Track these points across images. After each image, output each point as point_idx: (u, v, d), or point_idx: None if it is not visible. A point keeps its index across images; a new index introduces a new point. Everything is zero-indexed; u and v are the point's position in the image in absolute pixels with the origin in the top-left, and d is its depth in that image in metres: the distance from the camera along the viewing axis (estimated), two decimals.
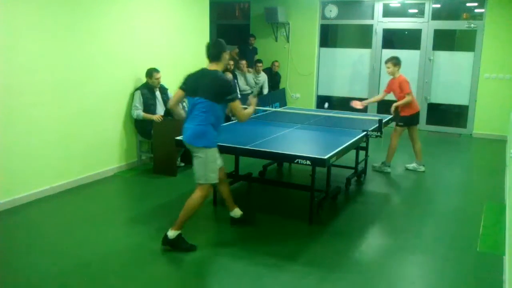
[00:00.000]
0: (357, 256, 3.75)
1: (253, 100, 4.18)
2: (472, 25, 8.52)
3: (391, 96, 6.14)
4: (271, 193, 5.30)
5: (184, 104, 5.27)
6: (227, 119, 6.10)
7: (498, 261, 3.68)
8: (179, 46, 6.64)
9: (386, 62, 6.04)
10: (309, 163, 3.91)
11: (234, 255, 3.68)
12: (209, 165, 3.65)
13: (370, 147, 6.01)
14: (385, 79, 6.71)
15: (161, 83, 5.97)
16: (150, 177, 5.72)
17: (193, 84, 3.69)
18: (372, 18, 9.32)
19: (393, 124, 6.00)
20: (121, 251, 3.74)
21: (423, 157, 6.26)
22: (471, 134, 8.70)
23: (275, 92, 9.11)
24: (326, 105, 6.43)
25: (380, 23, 9.26)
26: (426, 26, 8.88)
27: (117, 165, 5.85)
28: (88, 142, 5.37)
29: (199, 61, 7.14)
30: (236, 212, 4.28)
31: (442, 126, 9.10)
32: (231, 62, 8.50)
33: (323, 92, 9.93)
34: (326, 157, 3.85)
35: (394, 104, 5.91)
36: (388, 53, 9.18)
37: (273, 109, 6.80)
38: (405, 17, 9.25)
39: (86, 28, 5.19)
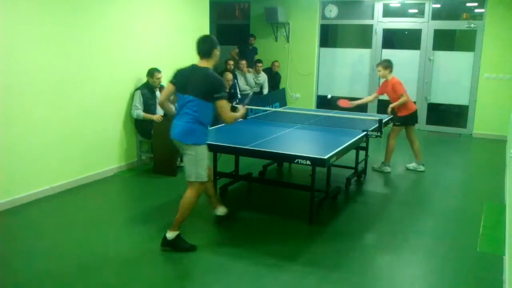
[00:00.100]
0: (357, 256, 3.74)
1: (243, 107, 4.08)
2: (472, 25, 8.52)
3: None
4: (271, 193, 5.30)
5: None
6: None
7: (498, 261, 3.68)
8: (179, 46, 6.64)
9: (377, 65, 6.07)
10: (309, 163, 3.91)
11: (234, 255, 3.68)
12: (199, 162, 3.63)
13: (370, 147, 6.01)
14: None
15: (161, 83, 5.97)
16: (150, 177, 5.72)
17: (183, 80, 3.66)
18: (372, 18, 9.33)
19: (391, 124, 6.00)
20: (121, 251, 3.74)
21: (423, 157, 6.26)
22: (471, 134, 8.70)
23: (275, 92, 9.11)
24: (329, 96, 6.41)
25: (380, 23, 9.26)
26: (426, 26, 8.88)
27: (117, 165, 5.85)
28: (88, 142, 5.37)
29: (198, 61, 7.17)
30: (221, 210, 4.27)
31: (442, 126, 9.10)
32: (231, 62, 8.51)
33: (323, 92, 9.93)
34: (326, 157, 3.85)
35: (390, 105, 5.93)
36: (388, 53, 9.24)
37: (273, 109, 6.80)
38: (405, 17, 9.26)
39: (86, 28, 5.19)
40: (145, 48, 6.07)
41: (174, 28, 6.62)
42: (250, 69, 8.88)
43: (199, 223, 4.35)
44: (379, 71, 5.99)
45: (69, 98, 5.06)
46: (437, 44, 8.87)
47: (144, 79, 5.95)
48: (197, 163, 3.63)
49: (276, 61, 9.45)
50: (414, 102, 6.45)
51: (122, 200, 5.27)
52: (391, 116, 5.89)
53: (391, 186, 5.76)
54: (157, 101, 5.91)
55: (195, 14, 7.07)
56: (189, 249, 3.69)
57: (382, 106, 8.09)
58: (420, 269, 3.63)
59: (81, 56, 5.16)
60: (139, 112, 5.78)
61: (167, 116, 5.70)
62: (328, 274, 3.44)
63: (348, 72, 9.83)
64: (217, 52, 3.72)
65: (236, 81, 8.15)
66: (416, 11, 9.15)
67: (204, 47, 3.68)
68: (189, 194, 3.68)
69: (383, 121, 5.27)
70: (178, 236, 3.69)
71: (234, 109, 5.82)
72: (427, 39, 8.91)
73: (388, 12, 9.23)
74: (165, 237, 3.69)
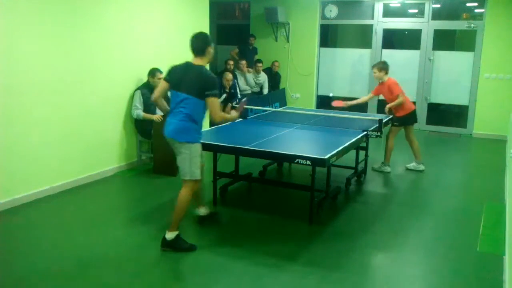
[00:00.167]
0: (357, 256, 3.74)
1: (236, 111, 4.03)
2: (472, 25, 8.52)
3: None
4: (271, 193, 5.30)
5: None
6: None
7: (498, 261, 3.68)
8: (179, 46, 6.62)
9: (372, 67, 6.07)
10: (309, 163, 3.91)
11: (234, 255, 3.68)
12: (193, 160, 3.63)
13: (370, 147, 6.01)
14: None
15: None
16: (150, 177, 5.72)
17: (177, 77, 3.66)
18: (372, 18, 9.33)
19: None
20: (121, 251, 3.74)
21: (423, 157, 6.27)
22: (471, 134, 8.70)
23: (275, 92, 9.12)
24: (331, 94, 6.40)
25: (380, 23, 9.27)
26: (426, 26, 8.88)
27: (117, 165, 5.85)
28: (88, 142, 5.37)
29: None
30: (203, 210, 4.25)
31: (442, 126, 9.11)
32: (231, 62, 8.51)
33: (323, 92, 9.93)
34: (326, 157, 3.85)
35: (388, 106, 5.93)
36: (388, 53, 9.25)
37: (273, 109, 6.80)
38: (405, 17, 9.26)
39: (86, 28, 5.19)
40: (145, 48, 6.07)
41: (174, 28, 6.61)
42: (250, 69, 8.88)
43: (198, 223, 4.35)
44: (374, 72, 6.00)
45: (69, 98, 5.06)
46: (437, 44, 8.88)
47: (144, 79, 5.95)
48: (191, 161, 3.63)
49: (276, 61, 9.45)
50: (414, 103, 6.45)
51: (122, 200, 5.27)
52: (391, 116, 5.89)
53: (391, 186, 5.76)
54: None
55: (195, 14, 7.07)
56: (189, 249, 3.69)
57: (382, 106, 8.04)
58: (420, 269, 3.63)
59: (81, 56, 5.16)
60: (139, 112, 5.78)
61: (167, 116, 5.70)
62: (328, 274, 3.44)
63: (348, 72, 9.83)
64: (211, 49, 3.69)
65: (236, 81, 8.15)
66: (416, 11, 9.15)
67: (198, 44, 3.66)
68: (183, 193, 3.68)
69: (383, 121, 5.27)
70: (177, 236, 3.68)
71: (234, 109, 5.83)
72: (427, 39, 8.91)
73: (388, 12, 9.23)
74: (164, 238, 3.69)
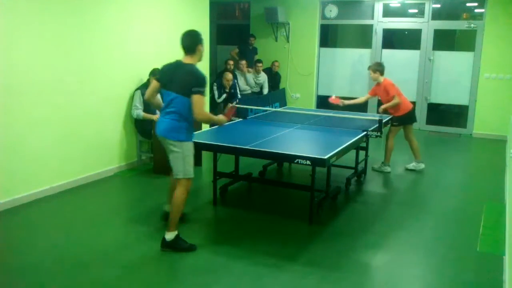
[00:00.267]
0: (357, 256, 3.74)
1: (225, 116, 3.99)
2: (472, 25, 8.52)
3: None
4: (271, 193, 5.30)
5: None
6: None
7: (498, 261, 3.68)
8: (179, 46, 6.61)
9: (368, 68, 6.07)
10: (309, 163, 3.91)
11: (234, 255, 3.68)
12: (186, 159, 3.64)
13: (370, 147, 6.01)
14: None
15: None
16: (150, 177, 5.72)
17: (167, 77, 3.66)
18: (372, 18, 9.33)
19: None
20: (121, 251, 3.74)
21: (423, 157, 6.27)
22: (471, 134, 8.70)
23: (275, 92, 9.10)
24: (334, 96, 6.40)
25: (380, 23, 9.26)
26: (426, 26, 8.88)
27: (117, 165, 5.85)
28: (88, 142, 5.37)
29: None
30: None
31: (442, 126, 9.11)
32: (231, 62, 8.51)
33: (323, 92, 9.93)
34: (326, 157, 3.85)
35: (382, 107, 5.95)
36: (388, 53, 9.25)
37: (273, 109, 6.80)
38: (405, 17, 9.26)
39: (86, 28, 5.19)
40: (145, 48, 6.07)
41: (174, 28, 6.59)
42: (250, 69, 8.88)
43: (198, 223, 4.36)
44: (370, 74, 6.00)
45: (69, 98, 5.06)
46: (437, 44, 8.88)
47: (144, 79, 5.95)
48: (184, 159, 3.63)
49: (276, 61, 9.45)
50: (414, 103, 6.45)
51: (122, 200, 5.27)
52: (391, 116, 5.89)
53: (391, 186, 5.76)
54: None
55: (195, 14, 7.07)
56: (188, 249, 3.69)
57: None
58: (420, 269, 3.63)
59: (81, 56, 5.16)
60: (139, 112, 5.78)
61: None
62: (328, 274, 3.44)
63: (348, 72, 9.83)
64: (201, 47, 3.66)
65: (236, 81, 8.16)
66: (416, 11, 9.15)
67: (188, 42, 3.64)
68: (178, 193, 3.68)
69: (383, 121, 5.27)
70: (177, 237, 3.68)
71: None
72: (427, 39, 8.91)
73: (388, 12, 9.23)
74: (164, 239, 3.69)
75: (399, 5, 9.23)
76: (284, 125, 5.34)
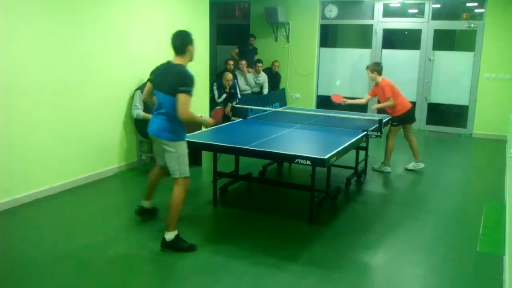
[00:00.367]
0: (357, 256, 3.74)
1: (214, 115, 4.00)
2: (472, 25, 8.52)
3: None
4: (271, 193, 5.30)
5: None
6: (227, 118, 6.11)
7: (498, 261, 3.68)
8: None
9: (366, 68, 6.08)
10: (309, 163, 3.91)
11: (234, 255, 3.68)
12: (180, 158, 3.66)
13: (370, 147, 6.01)
14: None
15: None
16: None
17: (158, 78, 3.70)
18: (372, 18, 9.33)
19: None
20: (121, 251, 3.74)
21: (423, 157, 6.27)
22: (471, 134, 8.70)
23: (275, 92, 9.12)
24: (338, 82, 6.41)
25: (380, 23, 9.26)
26: (426, 26, 8.88)
27: (117, 165, 5.85)
28: (88, 142, 5.37)
29: (198, 61, 7.16)
30: (148, 203, 4.28)
31: (442, 126, 9.11)
32: (231, 62, 8.51)
33: (323, 92, 9.93)
34: (326, 157, 3.85)
35: (377, 106, 5.95)
36: (388, 53, 9.25)
37: (273, 109, 6.80)
38: (405, 17, 9.26)
39: (86, 28, 5.19)
40: (145, 48, 6.07)
41: (174, 28, 6.50)
42: (250, 69, 8.88)
43: (198, 223, 4.36)
44: (368, 74, 6.01)
45: (69, 98, 5.06)
46: (437, 44, 8.88)
47: (145, 79, 5.95)
48: (178, 159, 3.65)
49: (276, 61, 9.45)
50: (414, 103, 6.46)
51: (122, 200, 5.26)
52: (391, 116, 5.90)
53: (391, 186, 5.76)
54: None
55: (195, 14, 7.07)
56: (188, 249, 3.69)
57: None
58: (420, 269, 3.63)
59: (81, 56, 5.16)
60: (139, 112, 5.78)
61: None
62: (328, 274, 3.44)
63: (348, 72, 9.83)
64: (191, 48, 3.66)
65: (236, 81, 8.16)
66: (416, 11, 9.15)
67: (178, 43, 3.64)
68: (176, 192, 3.69)
69: (383, 121, 5.27)
70: (177, 236, 3.69)
71: (234, 109, 5.83)
72: (427, 39, 8.91)
73: (388, 12, 9.23)
74: (164, 239, 3.69)
75: (399, 5, 9.23)
76: (284, 125, 5.34)
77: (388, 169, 6.07)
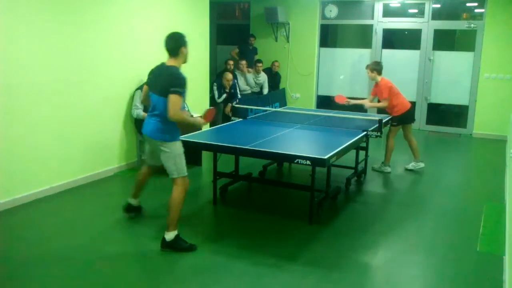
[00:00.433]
0: (357, 256, 3.74)
1: (206, 115, 3.94)
2: (472, 25, 8.52)
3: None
4: (271, 193, 5.30)
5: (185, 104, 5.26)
6: (227, 118, 6.11)
7: (498, 261, 3.68)
8: None
9: (366, 68, 6.09)
10: (309, 163, 3.91)
11: (234, 255, 3.68)
12: (176, 158, 3.68)
13: (370, 147, 6.01)
14: None
15: None
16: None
17: (153, 80, 3.73)
18: (372, 18, 9.33)
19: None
20: (121, 251, 3.74)
21: (423, 156, 6.27)
22: (471, 134, 8.70)
23: (275, 92, 9.11)
24: (342, 76, 6.41)
25: (380, 23, 9.26)
26: (426, 26, 8.88)
27: (117, 165, 5.85)
28: (88, 142, 5.37)
29: (198, 61, 7.17)
30: (135, 201, 4.30)
31: (442, 126, 9.11)
32: (231, 62, 8.51)
33: (323, 92, 9.93)
34: (326, 157, 3.85)
35: (370, 106, 5.96)
36: (388, 53, 9.25)
37: (273, 109, 6.80)
38: (405, 17, 9.26)
39: (86, 28, 5.19)
40: (145, 48, 6.07)
41: (174, 28, 6.49)
42: (250, 69, 8.88)
43: (198, 223, 4.36)
44: (368, 73, 6.01)
45: (69, 98, 5.06)
46: (437, 44, 8.88)
47: (145, 79, 5.92)
48: (175, 159, 3.67)
49: (276, 61, 9.45)
50: (414, 103, 6.46)
51: (122, 200, 5.25)
52: (391, 116, 5.90)
53: (391, 186, 5.76)
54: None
55: (195, 14, 7.07)
56: (188, 249, 3.69)
57: None
58: (420, 269, 3.63)
59: (81, 56, 5.16)
60: (139, 111, 5.78)
61: None
62: (328, 274, 3.44)
63: (348, 72, 9.83)
64: (184, 50, 3.67)
65: (236, 81, 8.16)
66: (416, 11, 9.15)
67: (171, 45, 3.65)
68: (175, 192, 3.70)
69: (383, 121, 5.27)
70: (177, 237, 3.69)
71: (234, 109, 5.83)
72: (427, 39, 8.91)
73: (388, 12, 9.23)
74: (164, 239, 3.69)
75: (399, 5, 9.23)
76: (284, 125, 5.34)
77: (388, 169, 6.07)
